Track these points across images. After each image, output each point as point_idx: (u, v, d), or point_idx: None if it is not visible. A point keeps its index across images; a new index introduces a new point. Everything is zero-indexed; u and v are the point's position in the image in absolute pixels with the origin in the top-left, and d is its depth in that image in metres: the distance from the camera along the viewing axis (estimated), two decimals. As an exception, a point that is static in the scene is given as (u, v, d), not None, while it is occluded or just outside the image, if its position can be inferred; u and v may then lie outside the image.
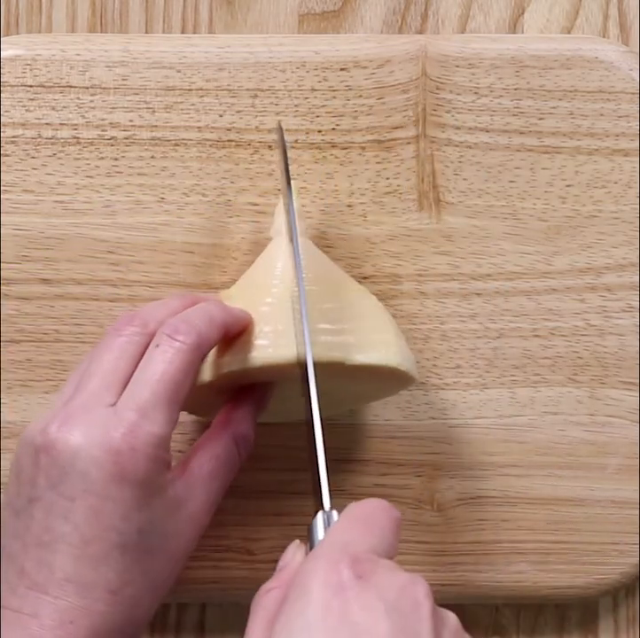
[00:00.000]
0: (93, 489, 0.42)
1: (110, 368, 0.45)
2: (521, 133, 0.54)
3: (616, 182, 0.54)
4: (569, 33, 0.57)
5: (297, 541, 0.44)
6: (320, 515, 0.42)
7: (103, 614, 0.42)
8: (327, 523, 0.42)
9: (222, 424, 0.48)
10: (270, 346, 0.47)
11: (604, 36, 0.57)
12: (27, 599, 0.42)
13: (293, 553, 0.43)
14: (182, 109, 0.54)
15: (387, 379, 0.50)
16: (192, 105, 0.54)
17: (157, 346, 0.45)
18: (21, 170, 0.54)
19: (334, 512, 0.42)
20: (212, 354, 0.48)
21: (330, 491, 0.43)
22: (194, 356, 0.45)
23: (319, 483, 0.43)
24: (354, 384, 0.50)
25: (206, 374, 0.48)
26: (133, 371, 0.45)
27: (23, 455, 0.44)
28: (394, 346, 0.49)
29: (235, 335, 0.48)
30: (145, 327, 0.46)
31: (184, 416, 0.51)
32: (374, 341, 0.48)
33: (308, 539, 0.42)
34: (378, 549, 0.40)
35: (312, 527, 0.42)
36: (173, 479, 0.44)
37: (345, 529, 0.41)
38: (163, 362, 0.44)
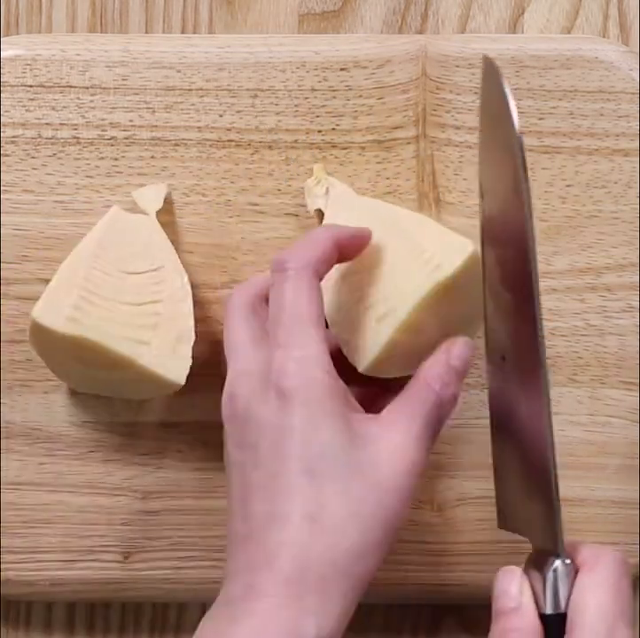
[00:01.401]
0: (269, 426, 0.43)
1: (242, 332, 0.47)
2: (521, 133, 0.54)
3: (616, 182, 0.54)
4: (569, 33, 0.57)
5: (517, 572, 0.43)
6: (562, 567, 0.42)
7: (306, 545, 0.42)
8: (567, 576, 0.42)
9: (416, 375, 0.46)
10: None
11: (604, 36, 0.57)
12: (239, 555, 0.43)
13: (520, 589, 0.43)
14: (182, 109, 0.54)
15: None
16: (192, 105, 0.54)
17: (272, 285, 0.46)
18: (21, 170, 0.54)
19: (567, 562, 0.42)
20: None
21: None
22: (309, 278, 0.45)
23: (553, 521, 0.42)
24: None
25: None
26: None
27: (224, 433, 0.46)
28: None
29: (357, 249, 0.48)
30: (253, 284, 0.49)
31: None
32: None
33: (541, 582, 0.42)
34: (631, 622, 0.41)
35: (549, 579, 0.42)
36: (361, 418, 0.44)
37: (610, 613, 0.41)
38: (284, 295, 0.45)
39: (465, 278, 0.47)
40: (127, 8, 0.58)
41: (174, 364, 0.50)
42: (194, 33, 0.57)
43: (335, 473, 0.42)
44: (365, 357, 0.48)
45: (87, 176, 0.54)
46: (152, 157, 0.55)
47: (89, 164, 0.54)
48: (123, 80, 0.54)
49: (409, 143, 0.54)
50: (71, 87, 0.54)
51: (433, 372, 0.46)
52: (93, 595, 0.56)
